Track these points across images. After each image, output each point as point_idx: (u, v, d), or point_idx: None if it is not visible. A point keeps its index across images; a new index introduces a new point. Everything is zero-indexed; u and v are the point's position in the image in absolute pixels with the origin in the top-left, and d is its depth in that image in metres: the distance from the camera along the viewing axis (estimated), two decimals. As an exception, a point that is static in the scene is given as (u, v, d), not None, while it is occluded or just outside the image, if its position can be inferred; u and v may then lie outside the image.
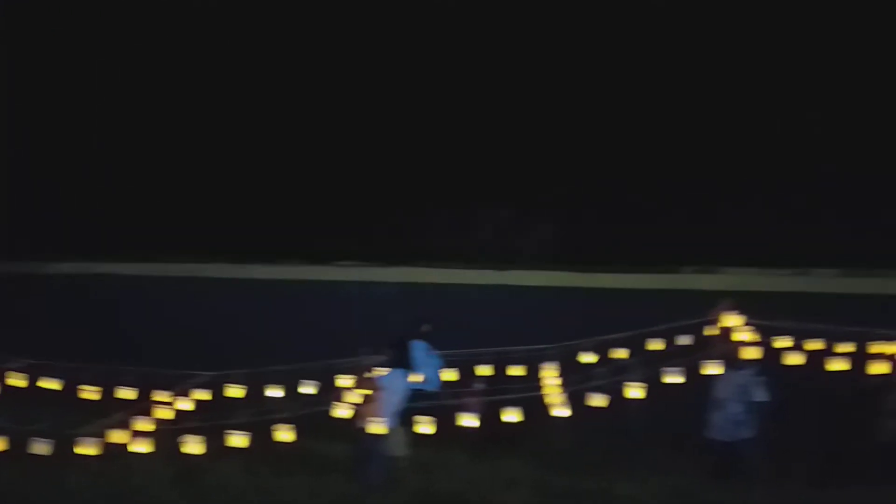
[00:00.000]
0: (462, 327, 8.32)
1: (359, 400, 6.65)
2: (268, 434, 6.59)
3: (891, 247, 9.05)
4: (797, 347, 7.25)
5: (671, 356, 7.35)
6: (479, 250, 11.23)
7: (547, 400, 7.31)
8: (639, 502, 6.01)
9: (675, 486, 6.31)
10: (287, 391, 7.46)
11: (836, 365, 7.13)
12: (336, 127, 12.37)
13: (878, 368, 6.93)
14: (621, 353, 7.48)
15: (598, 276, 9.36)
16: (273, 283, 10.36)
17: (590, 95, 11.16)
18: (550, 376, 7.47)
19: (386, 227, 11.73)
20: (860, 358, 7.10)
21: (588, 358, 7.63)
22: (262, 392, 7.44)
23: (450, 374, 7.69)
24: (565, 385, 7.37)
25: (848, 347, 7.10)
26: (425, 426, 6.67)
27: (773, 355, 7.08)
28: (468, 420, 7.02)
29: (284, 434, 6.63)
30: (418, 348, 8.09)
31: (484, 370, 7.79)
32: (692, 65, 10.91)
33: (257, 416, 7.12)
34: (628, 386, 7.04)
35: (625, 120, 10.92)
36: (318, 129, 12.40)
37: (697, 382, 7.01)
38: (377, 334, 7.08)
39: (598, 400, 7.01)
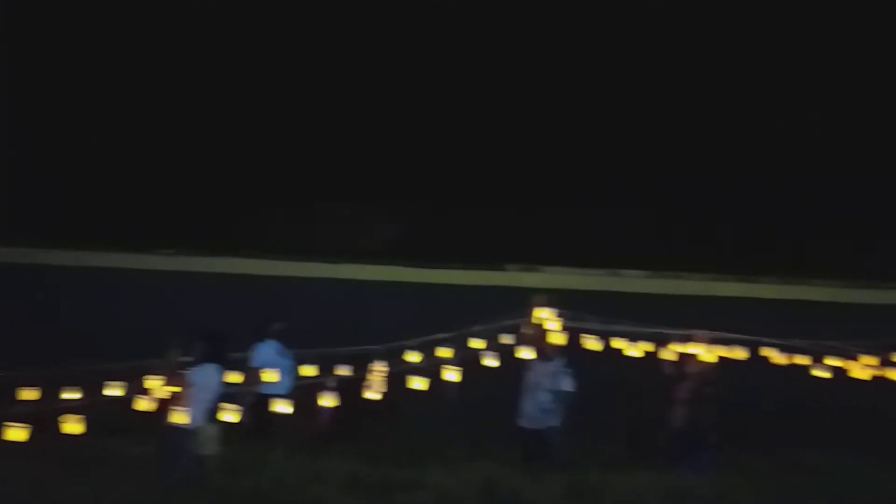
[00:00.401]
0: (294, 321, 8.10)
1: (166, 396, 6.25)
2: (56, 430, 5.98)
3: (691, 250, 9.99)
4: (604, 342, 7.74)
5: (492, 349, 7.58)
6: (315, 244, 11.04)
7: (366, 393, 7.30)
8: (447, 490, 6.12)
9: (484, 473, 6.51)
10: (87, 390, 6.83)
11: (640, 358, 7.69)
12: (170, 115, 11.70)
13: (672, 362, 7.56)
14: (445, 352, 7.59)
15: (428, 271, 9.52)
16: (80, 271, 9.43)
17: (419, 92, 11.35)
18: (375, 369, 7.46)
19: (218, 219, 11.23)
20: (660, 353, 7.70)
21: (413, 354, 7.68)
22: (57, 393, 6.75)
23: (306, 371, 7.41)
24: (387, 377, 7.39)
25: (649, 345, 7.69)
26: (230, 415, 6.32)
27: (581, 348, 7.51)
28: (282, 407, 6.84)
29: (73, 427, 6.01)
30: (269, 349, 7.72)
31: (308, 369, 7.59)
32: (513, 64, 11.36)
33: (43, 409, 6.41)
34: (446, 370, 7.18)
35: (455, 118, 11.20)
36: (151, 116, 11.67)
37: (512, 372, 7.33)
38: (195, 327, 6.69)
39: (416, 383, 7.07)
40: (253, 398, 7.23)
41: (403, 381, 7.12)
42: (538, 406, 7.24)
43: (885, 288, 10.02)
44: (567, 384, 7.28)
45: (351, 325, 8.56)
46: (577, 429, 7.29)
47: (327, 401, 7.15)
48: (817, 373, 7.70)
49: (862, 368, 7.81)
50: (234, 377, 6.50)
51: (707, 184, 10.61)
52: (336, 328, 8.31)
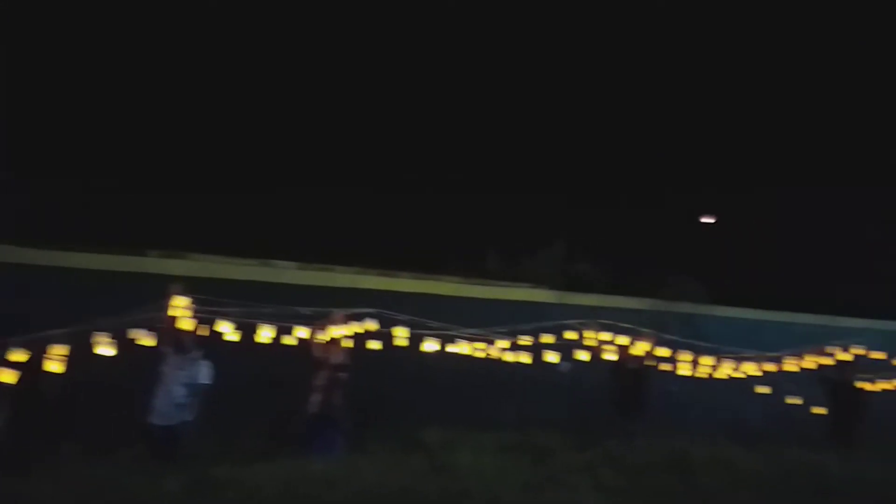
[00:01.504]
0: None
1: None
2: None
3: (341, 245, 10.50)
4: (245, 332, 7.69)
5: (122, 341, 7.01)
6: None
7: None
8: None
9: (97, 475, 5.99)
10: None
11: (283, 347, 7.82)
12: None
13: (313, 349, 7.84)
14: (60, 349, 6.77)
15: (65, 254, 8.41)
16: None
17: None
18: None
19: None
20: (303, 342, 7.91)
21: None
22: None
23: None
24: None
25: (291, 335, 7.84)
26: None
27: (219, 340, 7.36)
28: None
29: None
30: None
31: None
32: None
33: None
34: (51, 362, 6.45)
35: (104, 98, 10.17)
36: None
37: (145, 365, 6.88)
38: None
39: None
40: None
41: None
42: (172, 401, 6.91)
43: (499, 285, 11.76)
44: (204, 376, 7.08)
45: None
46: (214, 422, 7.14)
47: None
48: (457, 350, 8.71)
49: (500, 352, 9.07)
50: None
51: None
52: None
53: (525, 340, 9.16)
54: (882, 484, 6.80)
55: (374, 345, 8.23)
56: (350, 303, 8.40)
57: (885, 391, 10.43)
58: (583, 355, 9.40)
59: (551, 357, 9.24)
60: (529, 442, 8.46)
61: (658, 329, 10.06)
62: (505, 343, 9.04)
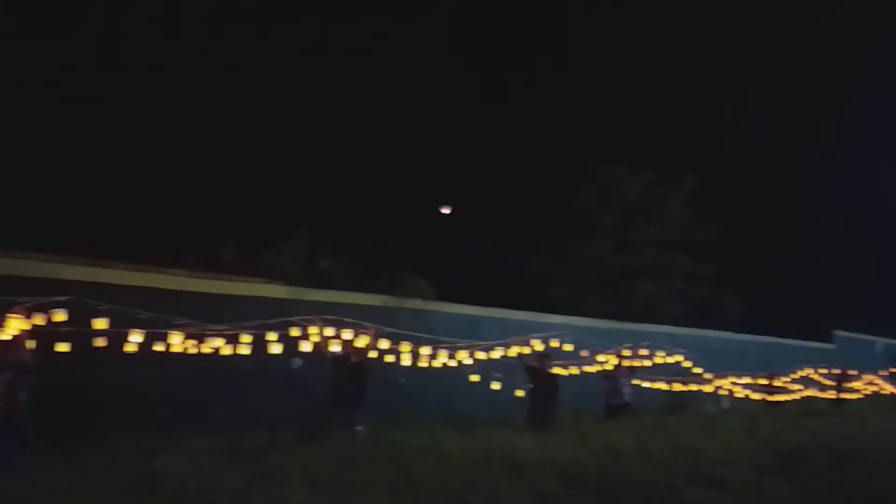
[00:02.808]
0: None
1: None
2: None
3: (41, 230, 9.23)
4: None
5: None
6: None
7: None
8: None
9: None
10: None
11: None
12: None
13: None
14: None
15: None
16: None
17: None
18: None
19: None
20: None
21: None
22: None
23: None
24: None
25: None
26: None
27: None
28: None
29: None
30: None
31: None
32: None
33: None
34: None
35: None
36: None
37: None
38: None
39: None
40: None
41: None
42: None
43: (229, 279, 11.24)
44: None
45: None
46: None
47: None
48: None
49: (221, 348, 8.62)
50: None
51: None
52: None
53: (247, 338, 8.86)
54: (572, 465, 7.65)
55: (63, 347, 7.36)
56: (47, 295, 7.43)
57: (573, 376, 11.96)
58: (308, 349, 9.37)
59: (276, 351, 9.07)
60: (247, 442, 8.19)
61: (392, 325, 10.40)
62: (221, 341, 8.66)
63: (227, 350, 8.73)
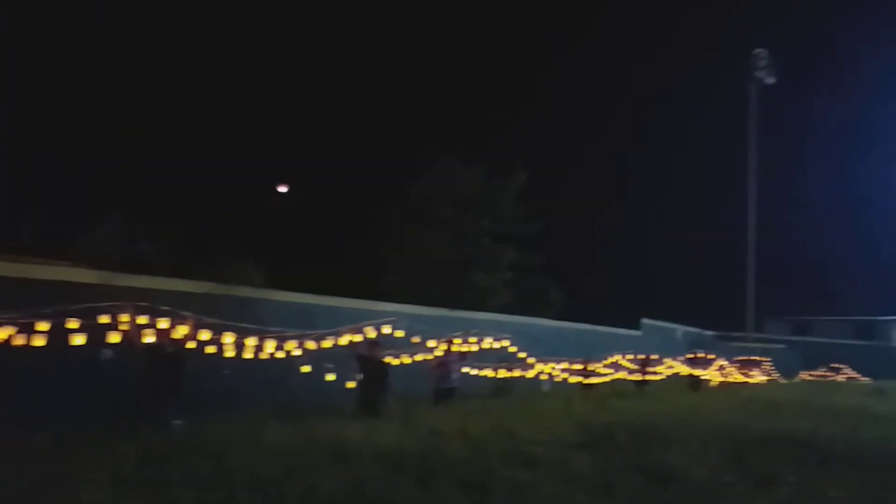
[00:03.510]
0: None
1: None
2: None
3: None
4: None
5: None
6: None
7: None
8: None
9: None
10: None
11: None
12: None
13: None
14: None
15: None
16: None
17: None
18: None
19: None
20: None
21: None
22: None
23: None
24: None
25: None
26: None
27: None
28: None
29: None
30: None
31: None
32: None
33: None
34: None
35: None
36: None
37: None
38: None
39: None
40: None
41: None
42: None
43: (27, 262, 10.13)
44: None
45: None
46: None
47: None
48: None
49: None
50: None
51: None
52: None
53: (43, 325, 8.02)
54: (396, 450, 7.70)
55: None
56: None
57: (404, 364, 12.10)
58: (117, 339, 8.66)
59: (79, 341, 8.30)
60: (44, 439, 7.44)
61: (215, 313, 9.86)
62: (11, 330, 7.78)
63: (19, 340, 7.84)
